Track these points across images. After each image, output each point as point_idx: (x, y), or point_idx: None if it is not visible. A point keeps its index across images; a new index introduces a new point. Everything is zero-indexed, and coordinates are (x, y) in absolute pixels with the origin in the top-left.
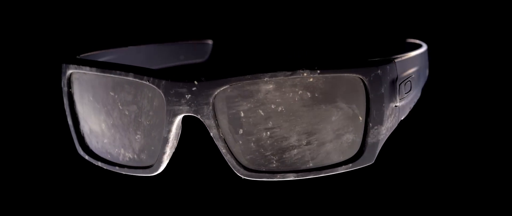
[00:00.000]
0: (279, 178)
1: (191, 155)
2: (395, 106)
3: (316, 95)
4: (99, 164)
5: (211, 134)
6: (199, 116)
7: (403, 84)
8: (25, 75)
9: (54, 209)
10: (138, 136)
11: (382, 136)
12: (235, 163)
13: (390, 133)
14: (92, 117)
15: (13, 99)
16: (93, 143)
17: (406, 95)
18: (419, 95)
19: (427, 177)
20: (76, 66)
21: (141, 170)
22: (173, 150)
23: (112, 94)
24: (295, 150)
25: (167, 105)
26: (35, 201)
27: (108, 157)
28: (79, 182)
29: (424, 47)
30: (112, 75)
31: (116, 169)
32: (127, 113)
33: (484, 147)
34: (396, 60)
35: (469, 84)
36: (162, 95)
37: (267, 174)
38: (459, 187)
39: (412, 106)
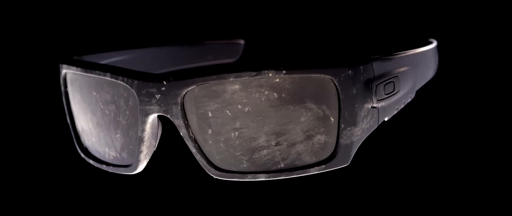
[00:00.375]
0: (250, 178)
1: (175, 155)
2: (372, 107)
3: (283, 95)
4: (91, 162)
5: (181, 133)
6: (168, 116)
7: (382, 84)
8: (46, 75)
9: (44, 204)
10: (118, 135)
11: (356, 137)
12: (205, 163)
13: (367, 134)
14: (82, 116)
15: (29, 97)
16: (86, 142)
17: (387, 96)
18: (412, 95)
19: (406, 180)
20: (67, 66)
21: (123, 169)
22: (153, 149)
23: (94, 93)
24: (265, 151)
25: (139, 104)
26: (31, 197)
27: (97, 155)
28: (75, 179)
29: (423, 48)
30: (93, 75)
31: (103, 167)
32: (107, 112)
33: (466, 151)
34: (373, 61)
35: (469, 89)
36: (135, 95)
37: (238, 174)
38: (438, 190)
39: (400, 107)
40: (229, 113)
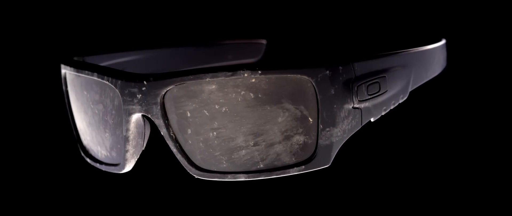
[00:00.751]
0: (230, 178)
1: (166, 154)
2: (353, 107)
3: (260, 95)
4: (88, 160)
5: (161, 133)
6: (149, 116)
7: (365, 85)
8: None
9: (40, 201)
10: (106, 134)
11: (336, 138)
12: (186, 163)
13: (350, 135)
14: (78, 115)
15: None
16: (83, 140)
17: (371, 96)
18: (404, 96)
19: (388, 182)
20: (64, 66)
21: (113, 167)
22: (140, 148)
23: (85, 93)
24: (243, 151)
25: (123, 104)
26: (30, 195)
27: (92, 154)
28: (73, 177)
29: (419, 47)
30: (84, 75)
31: (97, 166)
32: (96, 112)
33: (453, 155)
34: (355, 61)
35: (469, 91)
36: (119, 94)
37: (218, 174)
38: (421, 193)
39: (389, 108)
40: (207, 113)
